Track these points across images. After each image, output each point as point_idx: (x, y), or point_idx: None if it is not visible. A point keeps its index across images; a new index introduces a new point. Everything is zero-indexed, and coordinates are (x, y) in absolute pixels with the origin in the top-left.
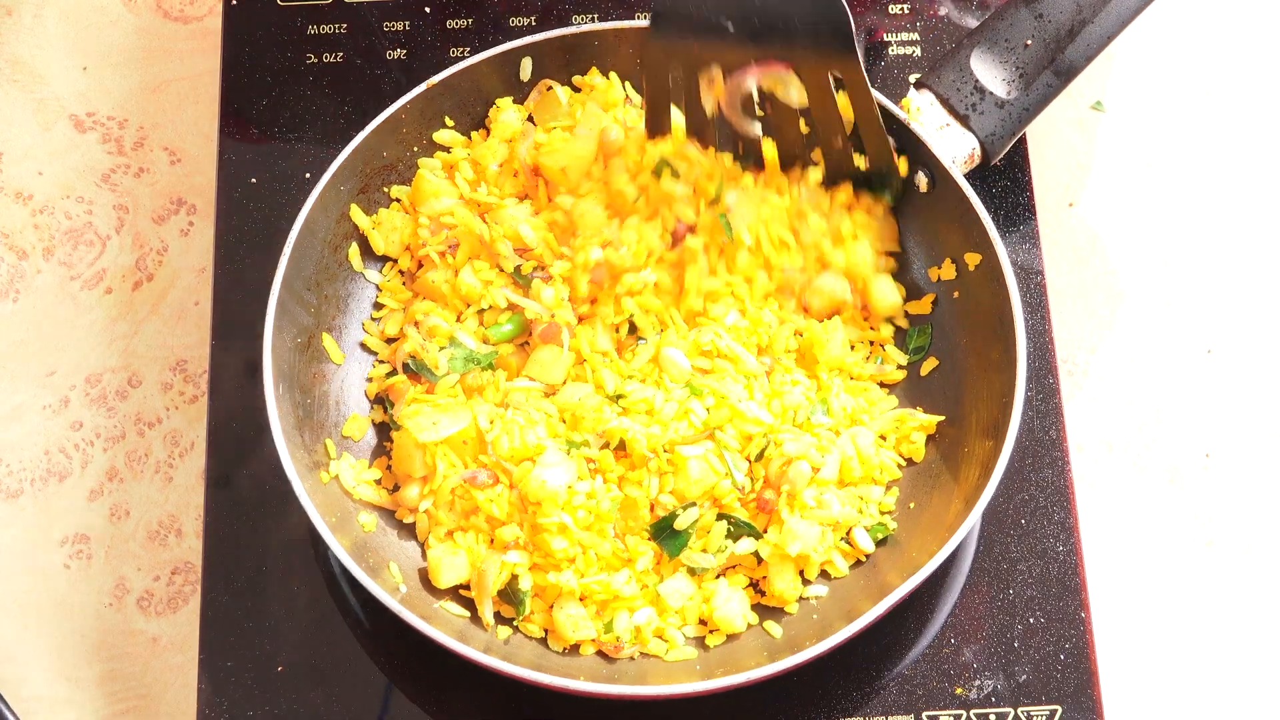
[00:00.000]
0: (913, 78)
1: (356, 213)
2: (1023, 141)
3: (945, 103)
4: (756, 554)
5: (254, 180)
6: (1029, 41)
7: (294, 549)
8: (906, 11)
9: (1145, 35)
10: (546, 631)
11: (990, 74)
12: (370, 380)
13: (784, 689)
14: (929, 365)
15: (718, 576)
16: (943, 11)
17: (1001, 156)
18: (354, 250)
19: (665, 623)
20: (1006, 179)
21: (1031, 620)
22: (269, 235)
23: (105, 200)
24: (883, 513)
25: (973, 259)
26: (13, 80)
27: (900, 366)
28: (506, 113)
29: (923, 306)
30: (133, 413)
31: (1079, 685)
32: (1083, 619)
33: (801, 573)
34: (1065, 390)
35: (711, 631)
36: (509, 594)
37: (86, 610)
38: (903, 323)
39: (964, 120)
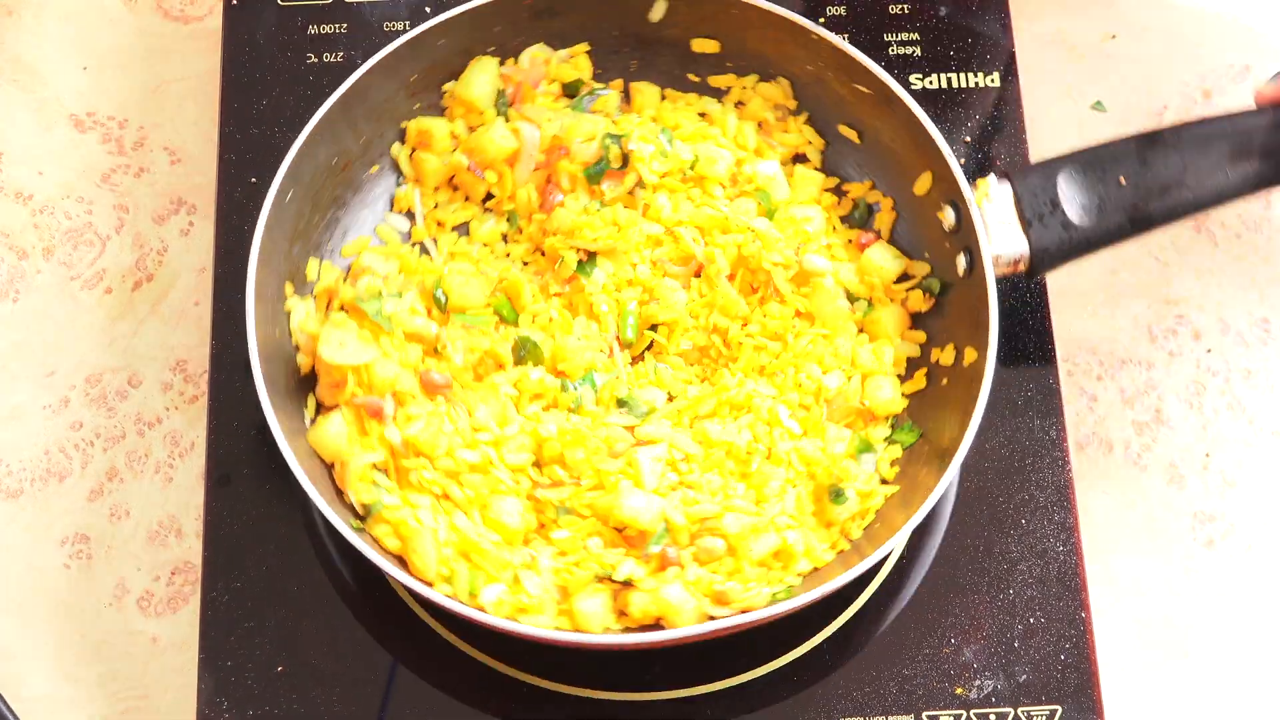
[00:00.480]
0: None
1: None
2: (1023, 141)
3: (1017, 201)
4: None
5: (254, 180)
6: (1123, 179)
7: (294, 549)
8: (906, 11)
9: (1145, 35)
10: None
11: (1070, 194)
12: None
13: (784, 686)
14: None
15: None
16: (943, 12)
17: (1040, 276)
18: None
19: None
20: None
21: (1031, 620)
22: None
23: (105, 200)
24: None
25: (970, 355)
26: (13, 80)
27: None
28: (480, 78)
29: (914, 385)
30: (133, 413)
31: (1079, 685)
32: (1083, 619)
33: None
34: (1065, 390)
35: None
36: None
37: (86, 610)
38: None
39: (1026, 225)
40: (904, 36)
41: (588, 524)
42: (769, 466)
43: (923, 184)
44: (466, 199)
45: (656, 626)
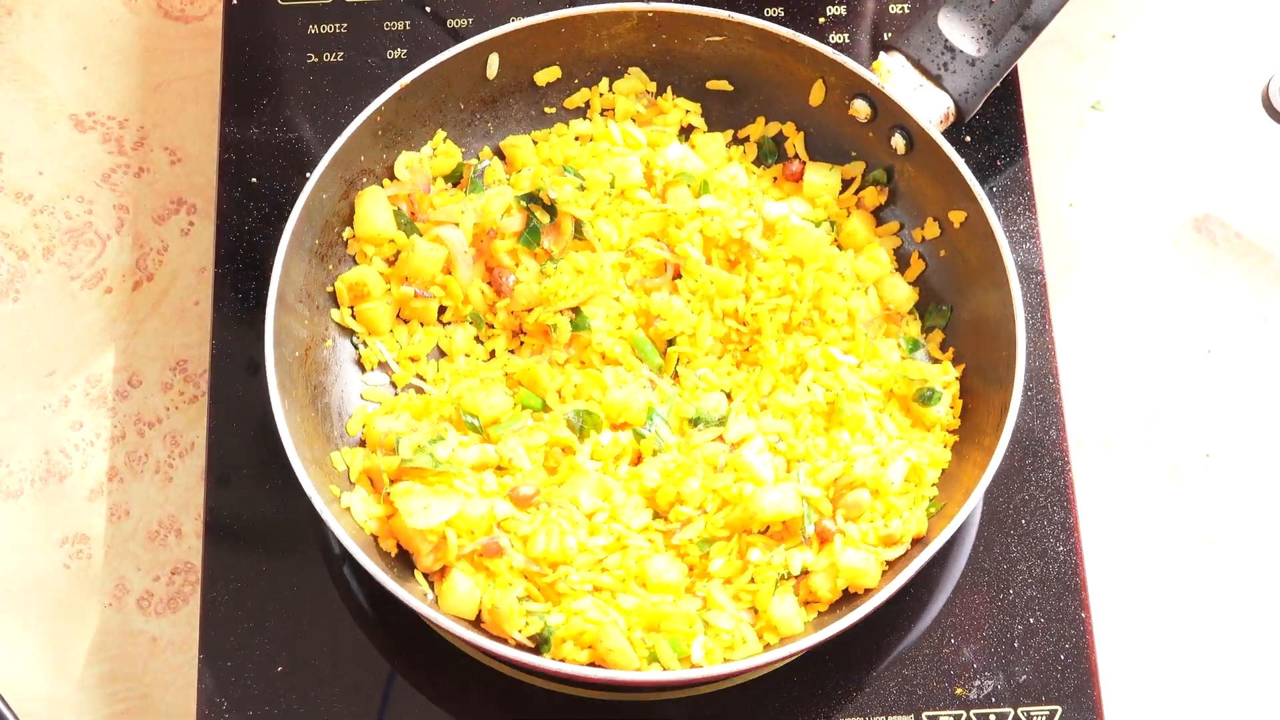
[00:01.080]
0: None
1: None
2: (1023, 141)
3: (916, 64)
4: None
5: (254, 180)
6: None
7: (294, 548)
8: (906, 12)
9: (1145, 35)
10: None
11: (959, 33)
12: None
13: (783, 687)
14: (934, 338)
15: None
16: None
17: (975, 113)
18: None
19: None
20: (1007, 179)
21: (1031, 620)
22: (269, 235)
23: (105, 200)
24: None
25: (957, 216)
26: (13, 80)
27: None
28: (374, 210)
29: (914, 271)
30: (133, 413)
31: (1079, 685)
32: (1083, 619)
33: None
34: (1065, 390)
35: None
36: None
37: (86, 610)
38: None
39: (937, 80)
40: None
41: (735, 542)
42: (852, 405)
43: (817, 94)
44: (422, 324)
45: (847, 599)
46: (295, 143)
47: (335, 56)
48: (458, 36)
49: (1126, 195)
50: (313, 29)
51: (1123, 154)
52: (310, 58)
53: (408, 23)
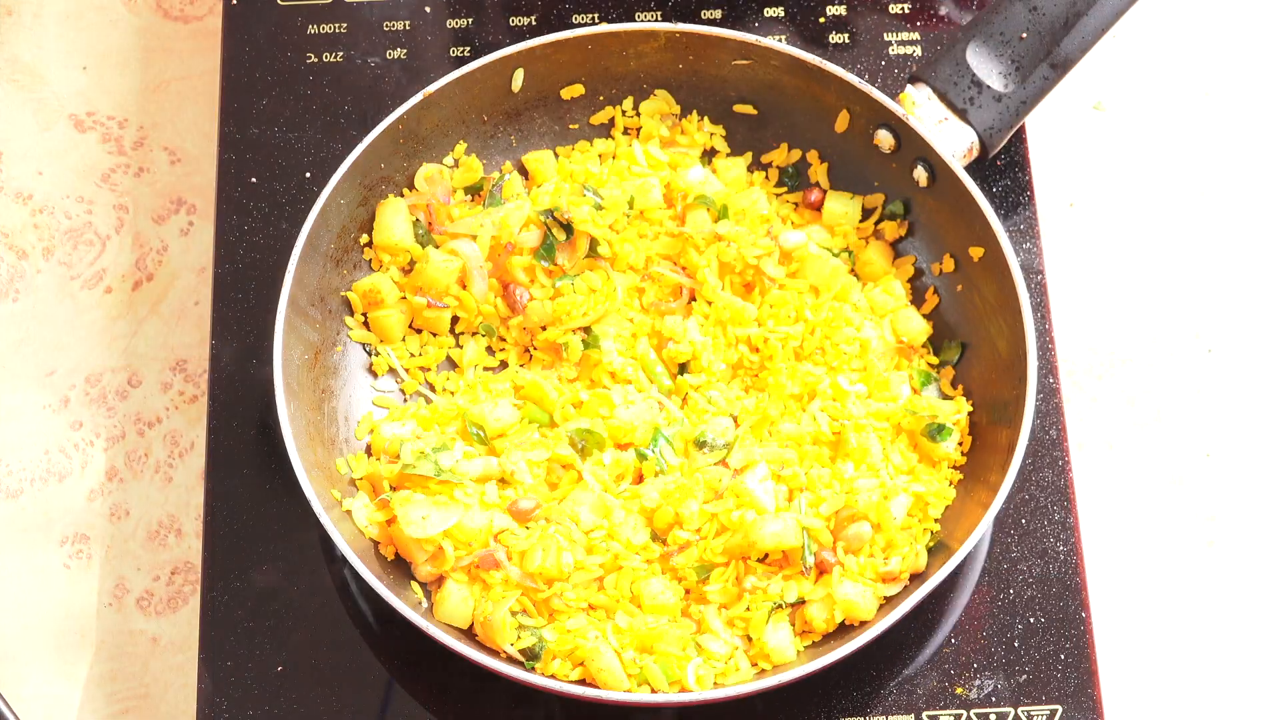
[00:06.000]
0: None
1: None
2: (1023, 141)
3: (943, 97)
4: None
5: (254, 180)
6: (1024, 34)
7: (294, 548)
8: (906, 12)
9: (1145, 35)
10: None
11: (986, 67)
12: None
13: (784, 687)
14: (946, 373)
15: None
16: (943, 11)
17: (999, 149)
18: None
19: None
20: (1007, 179)
21: (1032, 620)
22: (269, 235)
23: (105, 200)
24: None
25: (976, 252)
26: (13, 80)
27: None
28: (394, 220)
29: (929, 305)
30: (132, 412)
31: (1079, 685)
32: (1083, 619)
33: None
34: (1066, 390)
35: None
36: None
37: (86, 610)
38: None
39: (962, 114)
40: (904, 36)
41: (732, 568)
42: (858, 436)
43: (841, 122)
44: (435, 335)
45: (842, 630)
46: (295, 143)
47: (335, 56)
48: (458, 37)
49: (1126, 195)
50: (313, 29)
51: (1123, 154)
52: (310, 58)
53: (408, 23)
